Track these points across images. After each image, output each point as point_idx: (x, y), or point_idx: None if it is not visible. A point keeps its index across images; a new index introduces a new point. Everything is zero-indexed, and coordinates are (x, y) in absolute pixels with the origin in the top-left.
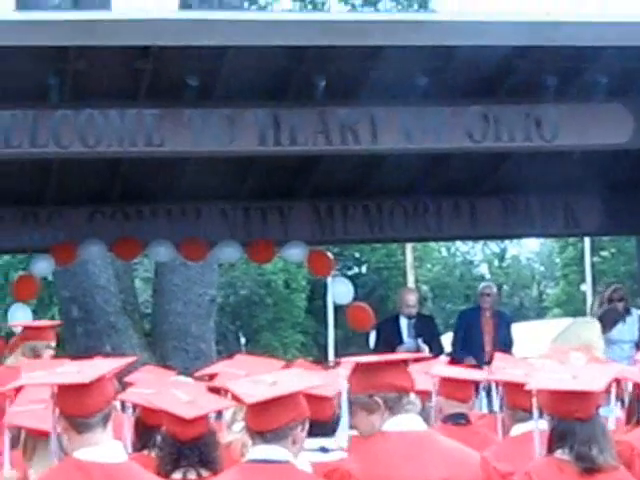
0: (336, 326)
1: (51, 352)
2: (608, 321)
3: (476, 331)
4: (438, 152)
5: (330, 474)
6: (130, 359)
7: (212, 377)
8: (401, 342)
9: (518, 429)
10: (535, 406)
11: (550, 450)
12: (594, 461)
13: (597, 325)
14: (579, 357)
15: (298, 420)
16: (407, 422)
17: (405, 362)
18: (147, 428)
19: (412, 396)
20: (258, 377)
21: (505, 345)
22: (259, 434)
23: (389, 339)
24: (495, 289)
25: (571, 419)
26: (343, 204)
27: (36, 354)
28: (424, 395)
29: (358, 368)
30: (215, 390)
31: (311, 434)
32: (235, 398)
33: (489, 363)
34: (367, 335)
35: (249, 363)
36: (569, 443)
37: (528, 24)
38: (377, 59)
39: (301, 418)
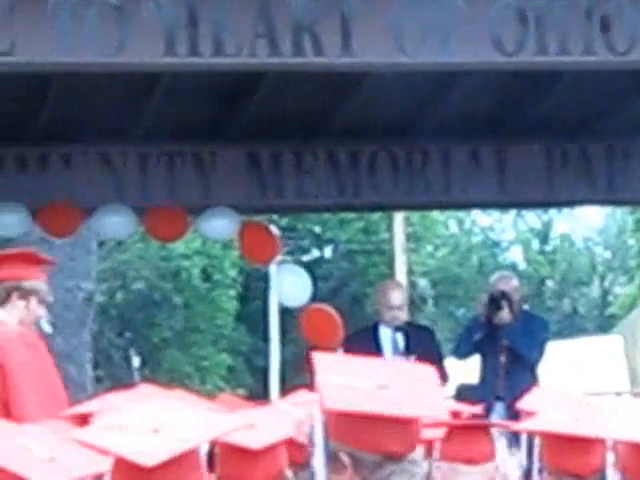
0: (283, 342)
1: None
2: None
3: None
4: (444, 71)
5: None
6: None
7: (85, 420)
8: None
9: None
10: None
11: None
12: None
13: None
14: None
15: None
16: None
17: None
18: None
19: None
20: (126, 419)
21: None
22: None
23: None
24: (516, 282)
25: None
26: (294, 148)
27: None
28: None
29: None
30: None
31: None
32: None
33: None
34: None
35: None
36: None
37: None
38: None
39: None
